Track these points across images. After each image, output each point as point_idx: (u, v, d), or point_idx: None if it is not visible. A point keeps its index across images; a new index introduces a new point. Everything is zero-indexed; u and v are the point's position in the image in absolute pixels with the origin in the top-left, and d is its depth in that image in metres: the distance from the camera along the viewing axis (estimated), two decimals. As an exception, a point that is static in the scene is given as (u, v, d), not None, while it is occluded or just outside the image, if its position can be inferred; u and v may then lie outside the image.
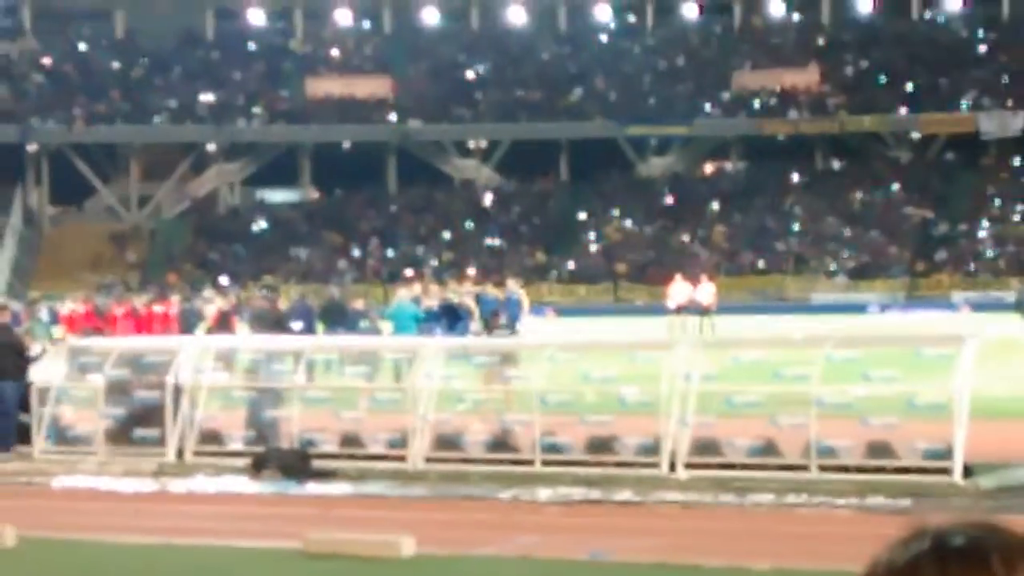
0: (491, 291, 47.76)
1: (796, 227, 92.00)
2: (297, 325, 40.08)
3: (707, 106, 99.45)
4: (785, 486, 20.05)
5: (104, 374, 24.94)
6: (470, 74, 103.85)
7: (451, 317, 42.24)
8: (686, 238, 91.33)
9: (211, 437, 23.97)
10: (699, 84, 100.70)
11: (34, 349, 26.06)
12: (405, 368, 25.84)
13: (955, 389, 20.48)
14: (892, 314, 74.54)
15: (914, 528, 1.87)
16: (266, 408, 24.89)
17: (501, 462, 21.98)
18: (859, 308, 76.18)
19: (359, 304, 45.23)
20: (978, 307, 74.40)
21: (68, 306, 48.06)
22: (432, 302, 43.33)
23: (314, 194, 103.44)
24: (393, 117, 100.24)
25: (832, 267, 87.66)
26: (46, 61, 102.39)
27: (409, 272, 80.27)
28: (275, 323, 38.76)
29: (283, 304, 45.21)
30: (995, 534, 1.84)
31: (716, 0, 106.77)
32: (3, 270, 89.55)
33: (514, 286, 51.07)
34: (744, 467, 20.82)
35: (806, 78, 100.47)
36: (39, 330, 36.22)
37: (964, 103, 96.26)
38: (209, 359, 25.37)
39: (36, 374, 25.33)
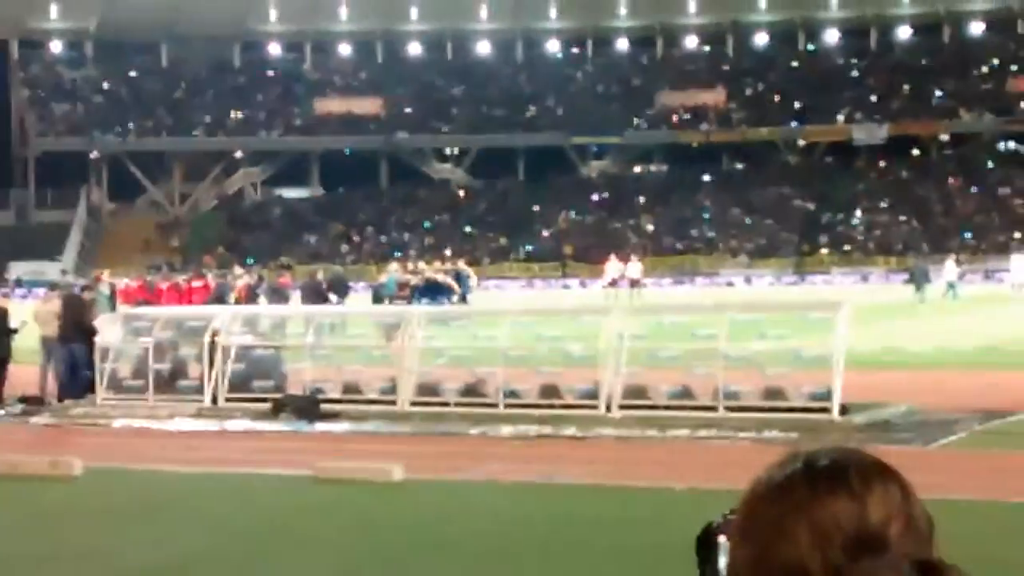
0: (439, 271, 47.06)
1: (707, 217, 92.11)
2: (334, 297, 40.01)
3: (635, 120, 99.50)
4: (698, 423, 20.06)
5: (153, 336, 24.85)
6: (446, 95, 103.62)
7: (434, 291, 42.25)
8: (619, 226, 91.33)
9: (239, 386, 23.91)
10: (629, 102, 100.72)
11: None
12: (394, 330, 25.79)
13: (833, 345, 20.53)
14: (783, 285, 74.70)
15: (789, 453, 1.90)
16: (283, 363, 24.87)
17: (472, 405, 21.95)
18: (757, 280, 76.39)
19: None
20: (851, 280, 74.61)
21: (123, 282, 47.84)
22: (415, 278, 43.22)
23: (321, 191, 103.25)
24: (384, 129, 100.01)
25: (736, 249, 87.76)
26: (105, 85, 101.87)
27: (398, 254, 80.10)
28: (316, 294, 38.68)
29: (291, 279, 45.14)
30: (854, 456, 1.86)
31: (642, 35, 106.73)
32: (72, 254, 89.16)
33: (463, 265, 50.94)
34: (666, 408, 20.82)
35: (715, 97, 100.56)
36: (102, 302, 36.05)
37: (840, 117, 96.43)
38: (237, 324, 25.29)
39: (99, 336, 25.21)
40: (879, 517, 1.77)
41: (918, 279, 56.27)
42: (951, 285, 56.43)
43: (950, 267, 58.32)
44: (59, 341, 25.41)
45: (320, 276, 43.99)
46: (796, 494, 1.79)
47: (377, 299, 41.02)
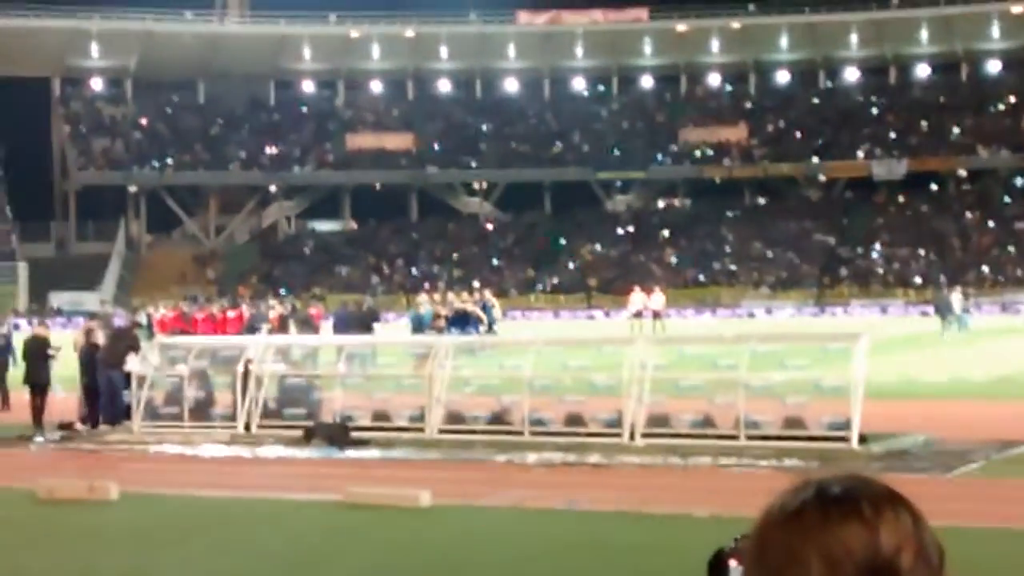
0: (466, 301, 47.06)
1: (729, 250, 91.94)
2: (379, 326, 40.08)
3: (659, 156, 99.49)
4: (720, 451, 20.00)
5: (188, 364, 24.90)
6: (475, 131, 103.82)
7: (463, 322, 42.35)
8: (643, 258, 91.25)
9: (272, 413, 23.93)
10: (653, 139, 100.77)
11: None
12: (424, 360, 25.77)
13: (852, 375, 20.46)
14: (804, 317, 74.48)
15: (801, 480, 1.88)
16: (314, 391, 24.89)
17: (498, 433, 21.92)
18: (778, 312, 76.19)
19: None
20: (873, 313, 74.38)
21: (160, 312, 48.00)
22: (445, 309, 43.28)
23: (353, 224, 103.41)
24: (414, 164, 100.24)
25: (757, 281, 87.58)
26: (143, 121, 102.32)
27: (427, 285, 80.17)
28: (360, 323, 38.69)
29: (322, 309, 45.18)
30: (866, 484, 1.85)
31: (666, 73, 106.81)
32: (110, 285, 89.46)
33: (489, 296, 50.95)
34: (688, 436, 20.77)
35: (737, 133, 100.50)
36: (140, 332, 36.15)
37: (860, 153, 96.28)
38: (271, 353, 25.33)
39: (135, 365, 25.27)
40: (890, 545, 1.76)
41: (942, 311, 56.31)
42: (958, 317, 56.47)
43: (957, 299, 58.30)
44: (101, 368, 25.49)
45: (366, 305, 44.08)
46: (808, 521, 1.78)
47: (417, 328, 41.07)
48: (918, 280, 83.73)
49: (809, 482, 1.84)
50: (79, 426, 25.26)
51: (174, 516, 16.27)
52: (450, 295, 51.89)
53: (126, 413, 24.87)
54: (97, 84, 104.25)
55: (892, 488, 1.82)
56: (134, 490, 17.65)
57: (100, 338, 26.01)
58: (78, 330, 29.14)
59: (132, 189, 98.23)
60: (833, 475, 1.84)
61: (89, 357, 25.57)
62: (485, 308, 46.32)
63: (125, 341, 25.99)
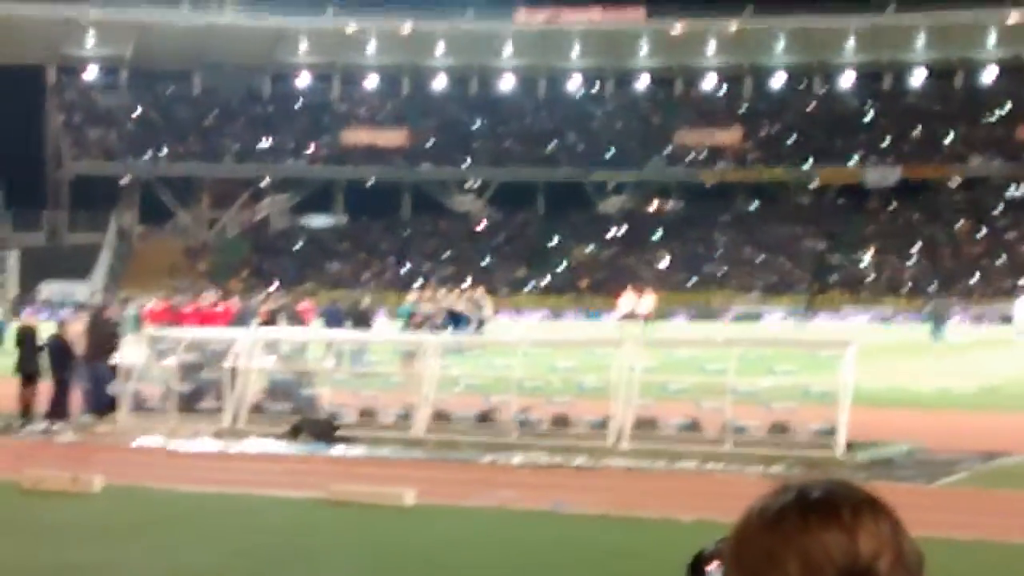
0: (457, 299, 47.19)
1: (721, 253, 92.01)
2: (381, 321, 40.12)
3: (654, 157, 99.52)
4: (706, 456, 20.00)
5: (177, 357, 24.87)
6: (469, 129, 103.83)
7: (455, 321, 42.42)
8: (634, 260, 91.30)
9: (258, 408, 23.90)
10: (647, 140, 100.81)
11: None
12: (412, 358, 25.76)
13: (840, 382, 20.47)
14: (793, 322, 74.54)
15: (782, 484, 1.89)
16: (303, 387, 24.86)
17: (484, 433, 21.92)
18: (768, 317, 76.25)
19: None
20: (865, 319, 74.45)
21: (149, 304, 47.91)
22: (433, 307, 43.27)
23: (345, 220, 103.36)
24: (408, 161, 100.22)
25: (748, 285, 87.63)
26: (138, 111, 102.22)
27: (418, 283, 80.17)
28: (358, 319, 38.70)
29: (312, 304, 45.12)
30: (846, 489, 1.85)
31: (662, 75, 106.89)
32: (101, 275, 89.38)
33: (480, 294, 50.97)
34: (674, 440, 20.77)
35: (731, 137, 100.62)
36: (128, 323, 36.07)
37: (853, 159, 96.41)
38: (259, 348, 25.30)
39: (123, 356, 25.24)
40: (869, 550, 1.77)
41: (936, 320, 56.69)
42: (937, 327, 57.03)
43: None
44: (84, 360, 25.46)
45: (364, 303, 44.05)
46: (788, 525, 1.78)
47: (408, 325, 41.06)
48: (908, 288, 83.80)
49: (789, 486, 1.84)
50: (45, 421, 25.02)
51: (157, 509, 16.25)
52: (440, 292, 51.89)
53: (112, 405, 24.83)
54: (92, 73, 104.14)
55: (872, 494, 1.83)
56: (118, 482, 17.62)
57: (74, 330, 25.96)
58: (67, 320, 29.04)
59: (125, 180, 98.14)
60: (814, 479, 1.84)
61: (58, 349, 25.51)
62: (477, 307, 46.37)
63: (108, 332, 25.94)
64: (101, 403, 25.16)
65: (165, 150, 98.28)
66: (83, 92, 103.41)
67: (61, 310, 49.42)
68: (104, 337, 25.74)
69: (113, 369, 25.05)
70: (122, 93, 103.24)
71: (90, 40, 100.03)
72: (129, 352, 25.66)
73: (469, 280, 79.30)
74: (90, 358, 25.34)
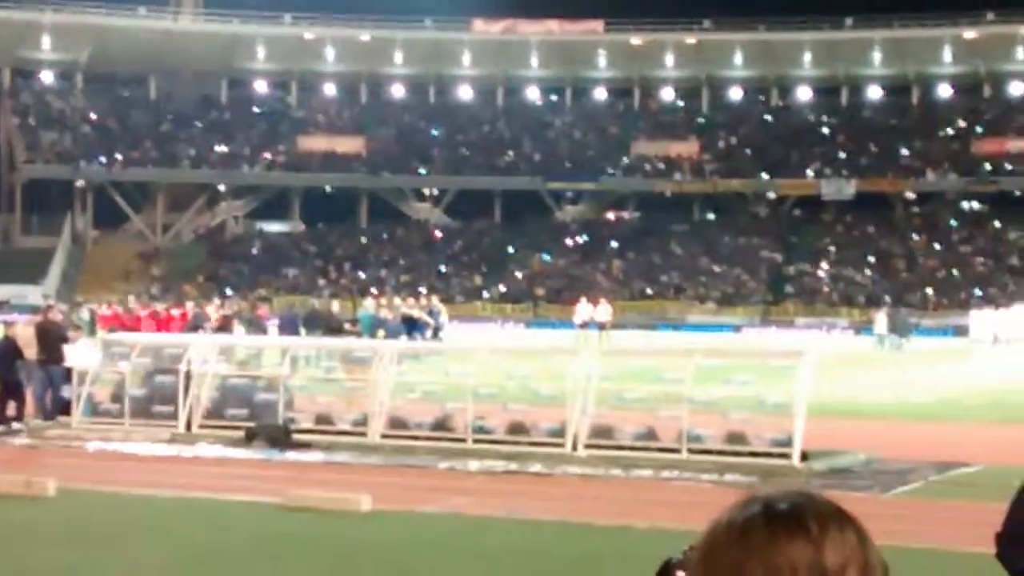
0: (413, 307, 47.21)
1: (677, 264, 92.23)
2: (357, 327, 40.00)
3: (610, 168, 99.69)
4: (662, 464, 20.04)
5: (131, 362, 24.74)
6: (427, 137, 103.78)
7: (411, 327, 42.35)
8: (590, 269, 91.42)
9: (213, 413, 23.80)
10: (605, 150, 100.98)
11: None
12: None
13: (795, 392, 20.55)
14: (748, 332, 74.73)
15: (749, 495, 1.88)
16: (257, 393, 24.75)
17: (441, 439, 21.90)
18: (724, 328, 76.43)
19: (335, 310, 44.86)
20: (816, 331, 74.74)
21: (104, 308, 47.70)
22: (392, 313, 43.22)
23: (301, 226, 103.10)
24: (365, 168, 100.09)
25: (704, 296, 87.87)
26: (93, 115, 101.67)
27: (374, 290, 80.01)
28: (328, 326, 38.57)
29: (269, 311, 45.01)
30: (812, 501, 1.85)
31: (620, 86, 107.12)
32: (54, 279, 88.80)
33: (436, 302, 50.96)
34: (630, 448, 20.80)
35: (688, 148, 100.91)
36: (84, 327, 35.89)
37: (810, 172, 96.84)
38: (213, 353, 25.19)
39: (76, 360, 25.09)
40: (835, 562, 1.77)
41: (900, 330, 57.04)
42: (882, 338, 57.46)
43: (882, 320, 59.35)
44: (37, 363, 25.31)
45: (334, 308, 43.93)
46: (754, 537, 1.78)
47: (368, 331, 40.93)
48: (863, 300, 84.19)
49: (756, 498, 1.84)
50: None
51: (110, 514, 16.15)
52: (396, 300, 51.84)
53: (65, 409, 24.68)
54: (48, 77, 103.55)
55: (838, 505, 1.83)
56: (71, 486, 17.50)
57: (25, 333, 25.82)
58: (20, 324, 28.87)
59: (79, 184, 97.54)
60: (780, 491, 1.84)
61: (5, 351, 25.36)
62: (432, 314, 46.34)
63: (56, 335, 25.79)
64: (55, 406, 25.01)
65: (120, 155, 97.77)
66: (38, 95, 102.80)
67: (12, 313, 49.13)
68: (53, 340, 25.60)
69: (68, 372, 24.92)
70: (78, 97, 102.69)
71: (46, 43, 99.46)
72: (82, 355, 25.53)
73: (425, 288, 79.21)
74: (43, 361, 25.20)
